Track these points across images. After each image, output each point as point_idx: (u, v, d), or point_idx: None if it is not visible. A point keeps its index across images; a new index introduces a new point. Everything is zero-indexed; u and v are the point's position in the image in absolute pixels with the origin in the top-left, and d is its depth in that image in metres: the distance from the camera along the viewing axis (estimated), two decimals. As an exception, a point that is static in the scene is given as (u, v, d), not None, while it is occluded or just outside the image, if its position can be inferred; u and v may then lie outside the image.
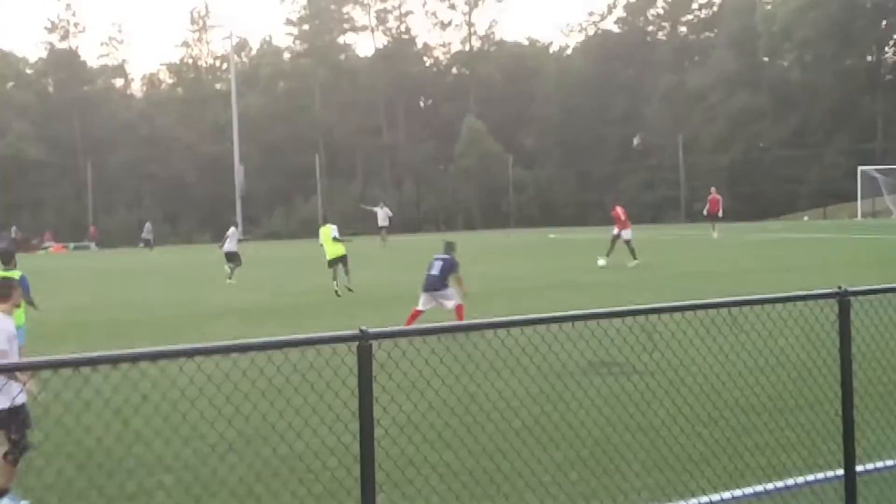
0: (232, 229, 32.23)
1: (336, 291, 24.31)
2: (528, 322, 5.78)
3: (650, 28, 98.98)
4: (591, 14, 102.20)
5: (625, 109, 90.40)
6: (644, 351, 8.09)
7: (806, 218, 66.70)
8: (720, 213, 45.46)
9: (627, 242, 30.56)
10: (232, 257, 30.59)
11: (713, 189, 47.21)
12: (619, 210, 31.69)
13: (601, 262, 29.45)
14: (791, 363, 8.52)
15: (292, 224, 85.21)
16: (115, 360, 4.60)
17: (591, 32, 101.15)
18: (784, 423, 8.66)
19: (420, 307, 16.50)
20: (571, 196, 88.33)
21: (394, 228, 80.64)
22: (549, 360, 8.46)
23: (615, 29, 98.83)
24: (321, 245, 26.12)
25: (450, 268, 16.58)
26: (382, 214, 52.89)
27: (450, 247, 17.26)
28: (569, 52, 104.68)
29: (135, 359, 4.68)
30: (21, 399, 7.03)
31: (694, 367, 8.71)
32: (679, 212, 77.59)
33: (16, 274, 12.65)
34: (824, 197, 69.43)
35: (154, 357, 4.61)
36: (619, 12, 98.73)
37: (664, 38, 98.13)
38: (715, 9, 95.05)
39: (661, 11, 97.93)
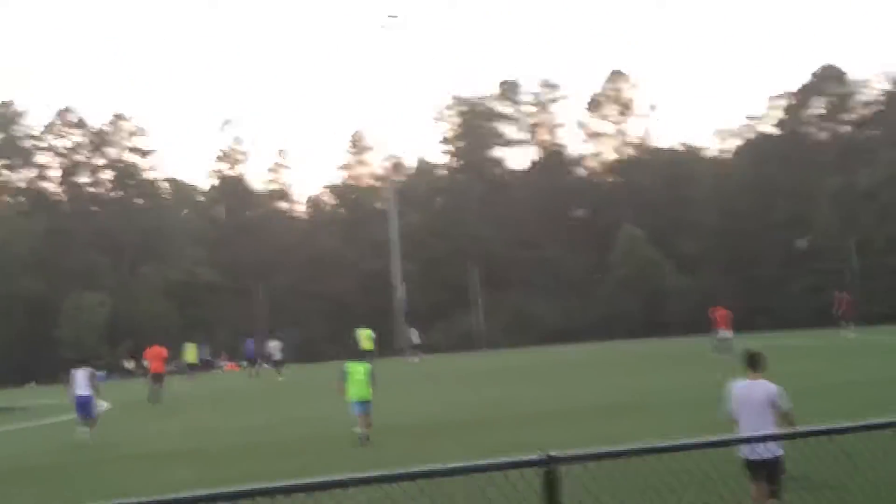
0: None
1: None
2: (715, 444, 5.74)
3: (810, 129, 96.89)
4: (747, 118, 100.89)
5: (788, 212, 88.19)
6: (837, 465, 7.89)
7: None
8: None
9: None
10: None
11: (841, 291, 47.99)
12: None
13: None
14: None
15: (452, 338, 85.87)
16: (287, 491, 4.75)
17: (748, 136, 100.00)
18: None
19: None
20: (736, 302, 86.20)
21: (554, 338, 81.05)
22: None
23: (774, 131, 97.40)
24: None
25: None
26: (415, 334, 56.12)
27: None
28: (726, 155, 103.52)
29: (323, 487, 4.74)
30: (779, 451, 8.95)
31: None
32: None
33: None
34: None
35: (344, 485, 4.68)
36: (778, 114, 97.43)
37: (826, 138, 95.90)
38: (882, 106, 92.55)
39: (822, 111, 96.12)
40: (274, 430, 23.86)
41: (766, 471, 8.94)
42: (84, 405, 22.72)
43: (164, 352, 37.96)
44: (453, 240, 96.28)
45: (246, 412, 30.35)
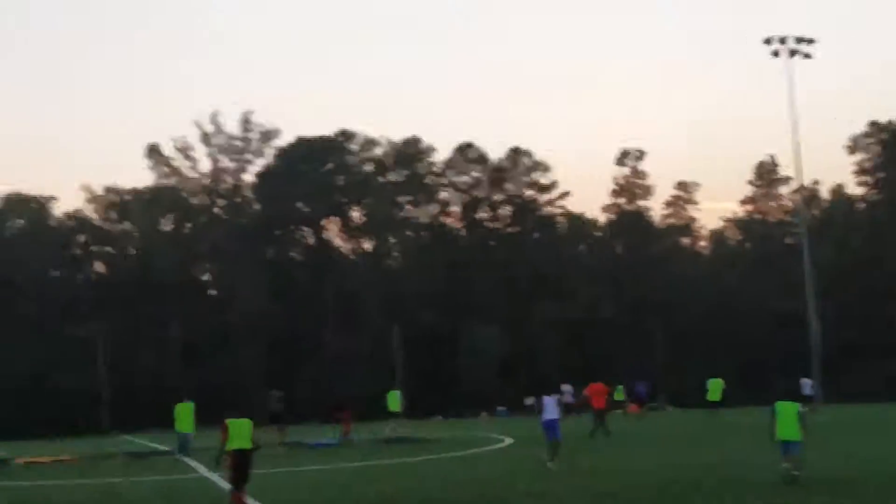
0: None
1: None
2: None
3: None
4: None
5: None
6: None
7: None
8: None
9: None
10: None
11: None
12: None
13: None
14: None
15: (877, 383, 77.20)
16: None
17: None
18: None
19: None
20: None
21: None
22: None
23: None
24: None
25: None
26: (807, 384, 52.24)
27: None
28: None
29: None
30: None
31: None
32: None
33: None
34: None
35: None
36: None
37: None
38: None
39: None
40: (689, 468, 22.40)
41: None
42: (553, 428, 24.69)
43: (604, 388, 39.71)
44: (871, 279, 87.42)
45: (657, 452, 28.98)
